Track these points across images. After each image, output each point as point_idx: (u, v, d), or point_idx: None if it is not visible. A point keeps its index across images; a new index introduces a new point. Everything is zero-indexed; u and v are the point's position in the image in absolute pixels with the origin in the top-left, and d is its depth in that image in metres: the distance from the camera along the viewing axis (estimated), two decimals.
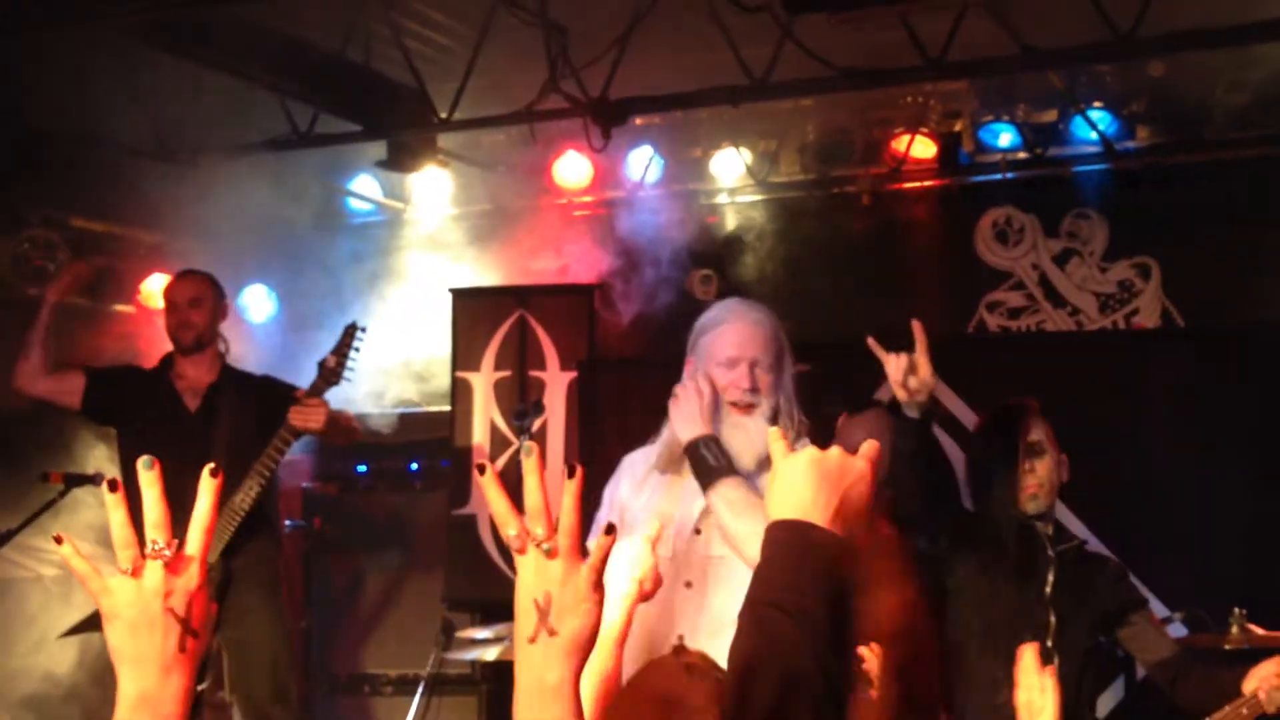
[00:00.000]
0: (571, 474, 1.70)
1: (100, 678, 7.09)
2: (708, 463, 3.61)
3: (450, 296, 8.20)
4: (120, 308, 8.55)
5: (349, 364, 6.04)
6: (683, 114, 8.31)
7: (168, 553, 1.70)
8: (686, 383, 3.80)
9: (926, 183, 8.51)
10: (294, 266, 8.80)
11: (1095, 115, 7.88)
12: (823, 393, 6.92)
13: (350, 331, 6.04)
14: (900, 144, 8.30)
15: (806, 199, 8.72)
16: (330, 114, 7.49)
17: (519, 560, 1.74)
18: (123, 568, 1.70)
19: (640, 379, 7.49)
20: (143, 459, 1.71)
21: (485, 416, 7.85)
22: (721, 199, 8.91)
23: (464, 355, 7.97)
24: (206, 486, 1.73)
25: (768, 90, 6.83)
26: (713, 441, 3.67)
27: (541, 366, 7.82)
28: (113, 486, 1.71)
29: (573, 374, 7.72)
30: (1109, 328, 8.12)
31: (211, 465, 1.75)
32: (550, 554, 1.71)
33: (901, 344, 6.94)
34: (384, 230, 9.44)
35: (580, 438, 7.50)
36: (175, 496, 1.68)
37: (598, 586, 1.72)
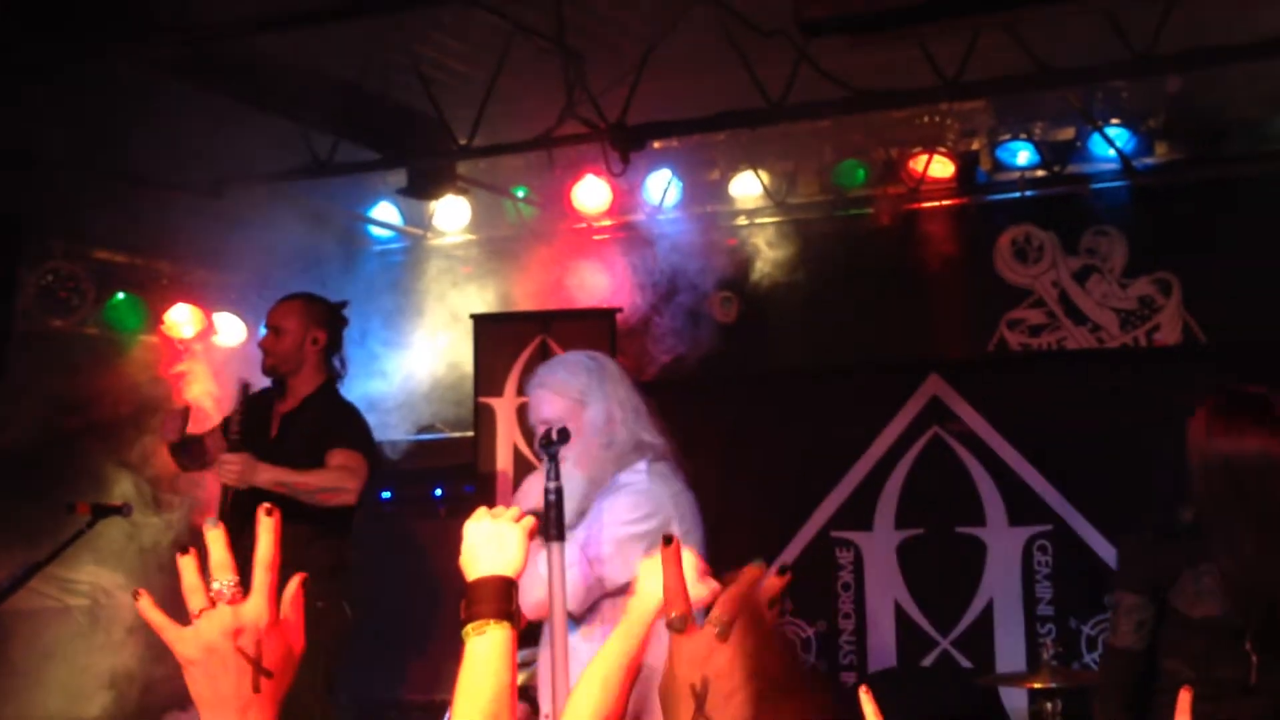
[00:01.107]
0: (764, 564, 1.69)
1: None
2: None
3: (472, 323, 8.21)
4: (144, 337, 8.60)
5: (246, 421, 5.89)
6: (700, 137, 8.34)
7: (226, 593, 1.71)
8: None
9: (945, 202, 8.51)
10: (315, 293, 8.83)
11: (1113, 132, 7.88)
12: (842, 413, 6.98)
13: (243, 389, 5.91)
14: (918, 164, 8.31)
15: (825, 220, 8.74)
16: (350, 143, 7.54)
17: (674, 640, 1.67)
18: (192, 611, 1.71)
19: (662, 402, 7.48)
20: (208, 519, 1.76)
21: (508, 442, 7.85)
22: (740, 221, 8.92)
23: (486, 380, 7.97)
24: (265, 526, 1.75)
25: (784, 112, 6.85)
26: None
27: None
28: (183, 550, 1.73)
29: None
30: (1130, 344, 8.10)
31: (267, 505, 1.77)
32: (722, 637, 1.64)
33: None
34: (405, 257, 9.49)
35: None
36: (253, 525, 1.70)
37: (753, 675, 1.64)
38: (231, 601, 1.71)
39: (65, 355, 7.82)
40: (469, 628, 2.30)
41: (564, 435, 3.93)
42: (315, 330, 6.22)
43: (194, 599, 1.71)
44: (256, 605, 1.72)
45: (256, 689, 1.70)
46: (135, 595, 1.75)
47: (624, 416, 4.15)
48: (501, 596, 2.34)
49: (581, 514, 4.04)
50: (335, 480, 5.82)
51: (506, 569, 2.42)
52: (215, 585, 1.71)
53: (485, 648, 2.27)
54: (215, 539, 1.74)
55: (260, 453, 5.90)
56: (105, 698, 7.15)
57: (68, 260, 7.98)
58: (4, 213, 6.76)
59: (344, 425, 6.07)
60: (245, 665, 1.69)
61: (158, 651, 6.36)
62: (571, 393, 4.17)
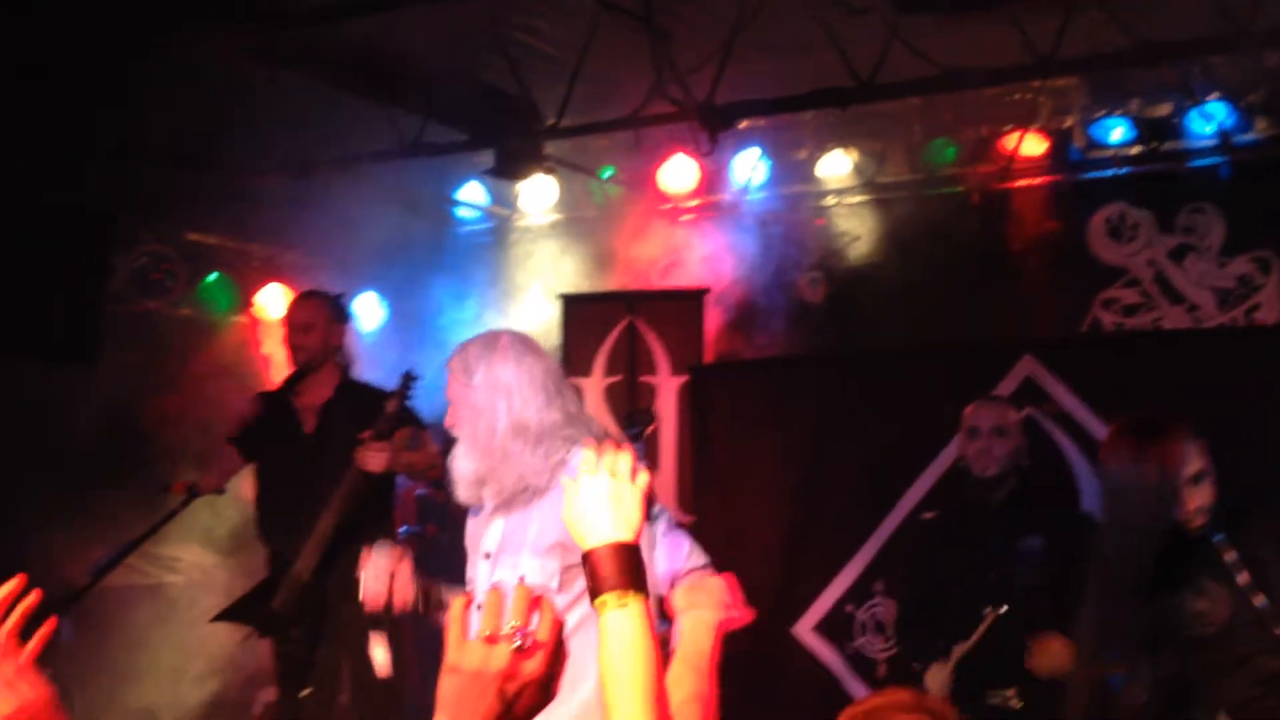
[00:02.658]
0: None
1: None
2: None
3: (560, 303, 8.21)
4: (235, 318, 8.69)
5: (405, 410, 5.97)
6: (788, 116, 8.27)
7: (518, 641, 1.83)
8: None
9: (1037, 180, 8.38)
10: (404, 274, 8.89)
11: (1211, 108, 7.71)
12: (934, 393, 6.90)
13: (406, 380, 5.98)
14: (1010, 141, 8.20)
15: (915, 199, 8.63)
16: (438, 124, 7.56)
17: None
18: (482, 632, 1.84)
19: (751, 382, 7.46)
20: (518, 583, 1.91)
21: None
22: (829, 201, 8.84)
23: (574, 361, 7.98)
24: (546, 607, 1.88)
25: (875, 91, 6.78)
26: None
27: (652, 371, 7.81)
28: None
29: (684, 378, 7.69)
30: (1229, 324, 7.94)
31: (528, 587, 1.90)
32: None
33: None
34: (492, 237, 9.50)
35: (692, 442, 7.48)
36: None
37: None
38: (517, 649, 1.83)
39: (159, 336, 7.92)
40: (608, 598, 2.20)
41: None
42: (337, 326, 6.44)
43: (487, 620, 1.84)
44: (536, 663, 1.84)
45: None
46: (467, 600, 1.90)
47: (524, 401, 3.77)
48: (631, 564, 2.22)
49: (507, 504, 3.80)
50: (435, 457, 6.05)
51: (628, 533, 2.26)
52: (511, 627, 1.84)
53: (626, 622, 2.18)
54: (520, 593, 1.85)
55: (301, 448, 6.10)
56: (202, 674, 7.24)
57: (160, 243, 8.07)
58: (96, 197, 6.84)
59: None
60: (498, 703, 1.82)
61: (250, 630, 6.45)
62: (458, 372, 3.87)
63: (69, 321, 6.48)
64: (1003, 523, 5.61)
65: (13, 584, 2.10)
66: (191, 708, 7.28)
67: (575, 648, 2.18)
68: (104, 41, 6.08)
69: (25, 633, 2.05)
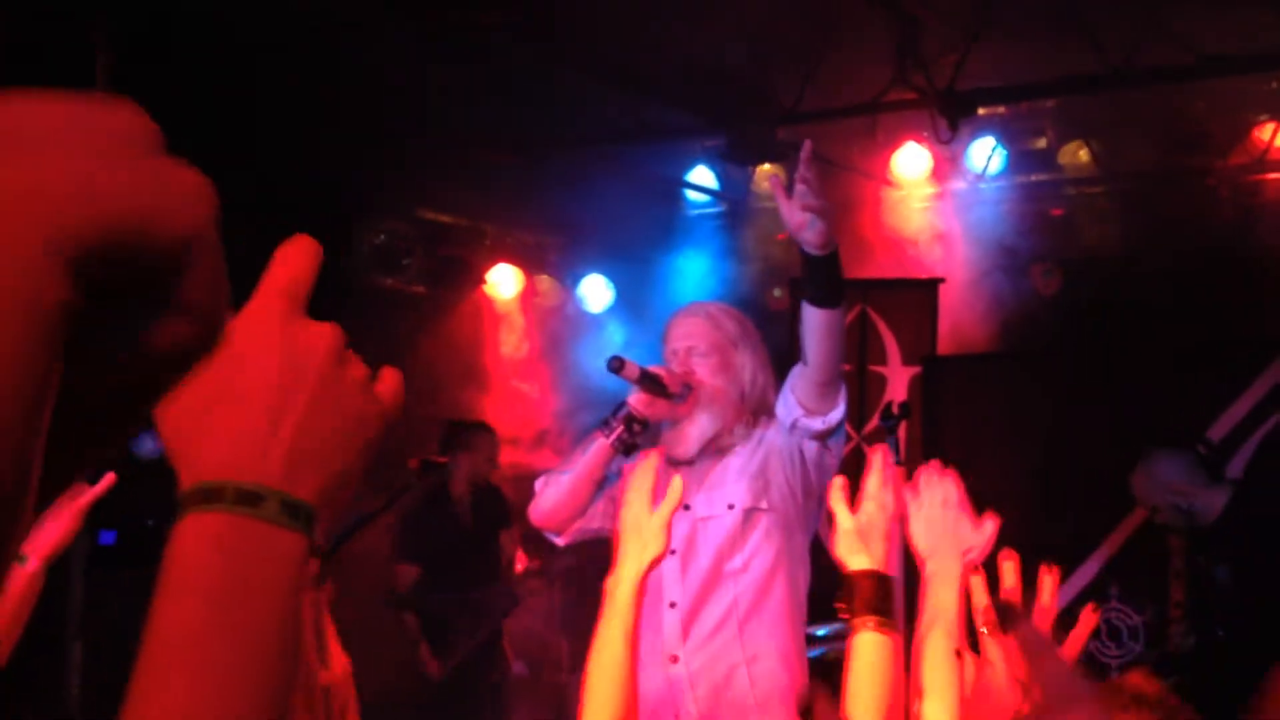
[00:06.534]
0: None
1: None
2: None
3: (790, 288, 8.13)
4: (467, 296, 8.81)
5: None
6: (1028, 103, 8.05)
7: None
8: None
9: None
10: (631, 256, 8.90)
11: None
12: (1178, 393, 6.67)
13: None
14: (1264, 133, 7.87)
15: (1158, 191, 8.34)
16: (672, 106, 7.53)
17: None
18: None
19: (985, 376, 7.31)
20: None
21: None
22: (1068, 190, 8.59)
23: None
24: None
25: (1129, 78, 6.55)
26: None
27: (883, 361, 7.68)
28: None
29: (915, 369, 7.55)
30: None
31: None
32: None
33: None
34: (722, 221, 9.45)
35: (922, 435, 7.35)
36: None
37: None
38: None
39: (396, 312, 8.06)
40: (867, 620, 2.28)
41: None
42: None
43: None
44: None
45: None
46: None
47: (765, 378, 4.07)
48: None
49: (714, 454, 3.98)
50: None
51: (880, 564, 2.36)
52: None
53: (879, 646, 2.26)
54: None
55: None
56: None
57: (399, 220, 8.20)
58: (342, 172, 6.97)
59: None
60: None
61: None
62: (728, 331, 4.06)
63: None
64: (1228, 545, 5.38)
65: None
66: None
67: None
68: (342, 16, 6.18)
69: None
